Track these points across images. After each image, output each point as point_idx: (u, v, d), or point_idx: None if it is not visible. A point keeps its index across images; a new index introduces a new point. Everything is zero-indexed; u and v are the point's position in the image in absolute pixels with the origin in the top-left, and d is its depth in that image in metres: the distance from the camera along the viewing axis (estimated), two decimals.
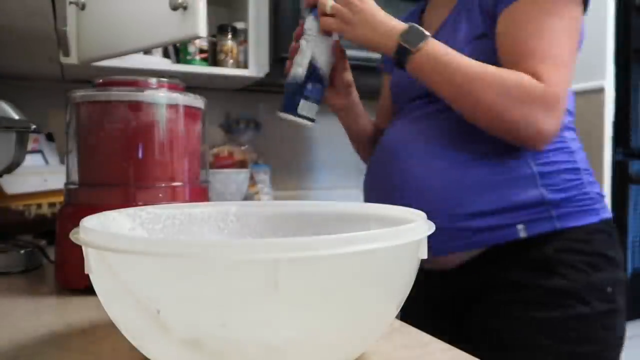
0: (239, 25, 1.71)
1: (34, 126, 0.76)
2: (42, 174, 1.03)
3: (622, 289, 0.76)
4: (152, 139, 0.65)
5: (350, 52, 1.52)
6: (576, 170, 0.76)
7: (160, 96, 0.66)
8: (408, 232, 0.36)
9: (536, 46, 0.71)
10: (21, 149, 0.76)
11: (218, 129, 1.70)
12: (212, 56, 1.71)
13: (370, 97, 1.98)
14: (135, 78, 0.67)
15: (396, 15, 0.78)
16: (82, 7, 1.04)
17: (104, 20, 0.85)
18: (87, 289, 0.63)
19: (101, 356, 0.45)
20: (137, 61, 1.27)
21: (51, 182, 1.02)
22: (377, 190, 0.85)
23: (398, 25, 0.75)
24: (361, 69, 1.53)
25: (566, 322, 0.71)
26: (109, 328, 0.51)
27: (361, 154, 1.02)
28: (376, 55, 1.53)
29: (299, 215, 0.55)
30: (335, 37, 0.82)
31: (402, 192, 0.78)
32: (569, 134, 0.79)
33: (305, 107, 0.81)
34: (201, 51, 1.67)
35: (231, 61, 1.66)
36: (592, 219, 0.75)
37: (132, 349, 0.37)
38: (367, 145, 0.97)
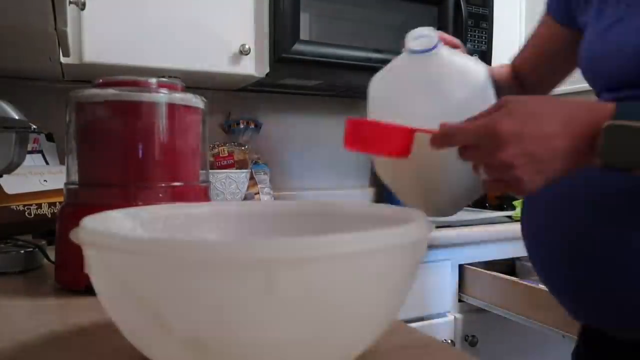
0: None
1: (34, 126, 0.76)
2: (42, 174, 1.03)
3: None
4: (152, 139, 0.65)
5: (350, 52, 1.51)
6: None
7: (160, 96, 0.66)
8: (408, 232, 0.36)
9: None
10: (21, 149, 0.76)
11: (218, 129, 1.70)
12: None
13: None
14: (135, 78, 0.67)
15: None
16: (82, 7, 1.04)
17: None
18: (87, 289, 0.63)
19: (102, 356, 0.45)
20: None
21: (51, 182, 1.02)
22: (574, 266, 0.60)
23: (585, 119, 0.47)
24: (361, 69, 1.53)
25: None
26: (109, 328, 0.51)
27: None
28: (376, 55, 1.52)
29: (299, 215, 0.55)
30: None
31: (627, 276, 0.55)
32: None
33: None
34: None
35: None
36: None
37: (133, 349, 0.37)
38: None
